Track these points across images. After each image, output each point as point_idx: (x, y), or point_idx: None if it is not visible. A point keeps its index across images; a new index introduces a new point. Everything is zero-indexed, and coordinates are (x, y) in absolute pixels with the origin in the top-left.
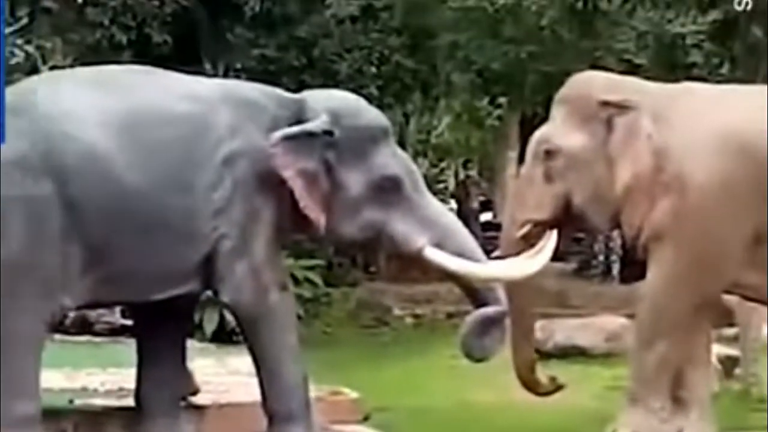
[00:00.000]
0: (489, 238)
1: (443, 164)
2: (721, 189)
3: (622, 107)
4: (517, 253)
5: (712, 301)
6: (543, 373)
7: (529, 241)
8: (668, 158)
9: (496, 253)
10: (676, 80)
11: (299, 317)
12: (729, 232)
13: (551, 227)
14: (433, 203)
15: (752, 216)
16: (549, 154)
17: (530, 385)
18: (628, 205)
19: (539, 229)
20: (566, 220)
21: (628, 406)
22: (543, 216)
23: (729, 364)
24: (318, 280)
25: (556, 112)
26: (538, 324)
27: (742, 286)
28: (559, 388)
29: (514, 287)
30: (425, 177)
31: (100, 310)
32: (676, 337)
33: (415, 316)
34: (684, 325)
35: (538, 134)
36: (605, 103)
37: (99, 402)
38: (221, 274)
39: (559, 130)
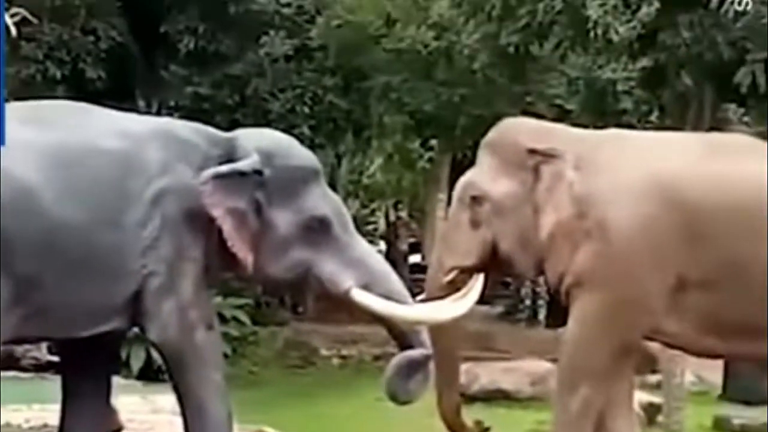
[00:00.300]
0: (417, 280)
1: (374, 205)
2: (642, 235)
3: (548, 155)
4: (443, 297)
5: (633, 347)
6: (468, 416)
7: (455, 287)
8: (590, 204)
9: (420, 297)
10: (606, 126)
11: (226, 356)
12: (650, 279)
13: (478, 272)
14: (361, 244)
15: (674, 263)
16: (475, 199)
17: (455, 428)
18: (551, 252)
19: (466, 275)
20: (492, 265)
21: None
22: (469, 262)
23: (652, 411)
24: (246, 319)
25: (483, 157)
26: (464, 367)
27: (663, 333)
28: (485, 430)
29: (438, 330)
30: (355, 218)
31: (27, 346)
32: (597, 382)
33: (342, 357)
34: (605, 370)
35: (464, 179)
36: (532, 151)
37: None
38: (148, 312)
39: (486, 176)
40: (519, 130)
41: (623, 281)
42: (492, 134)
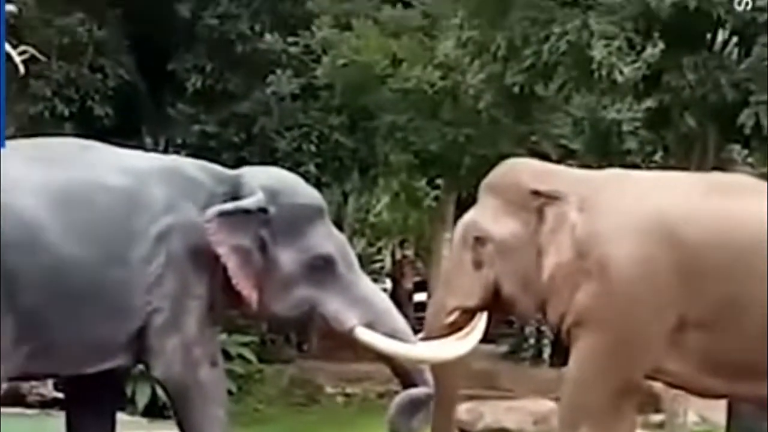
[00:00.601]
0: (422, 319)
1: (380, 243)
2: (642, 274)
3: (551, 197)
4: (443, 338)
5: (634, 386)
6: None
7: (456, 327)
8: (591, 245)
9: (420, 336)
10: (611, 166)
11: (231, 393)
12: (650, 318)
13: (480, 312)
14: (365, 283)
15: (675, 302)
16: (478, 240)
17: None
18: (553, 293)
19: (468, 315)
20: (495, 306)
21: None
22: (472, 303)
23: None
24: (251, 356)
25: (485, 198)
26: (468, 405)
27: (664, 373)
28: None
29: (439, 368)
30: (361, 256)
31: (33, 382)
32: (598, 421)
33: (346, 395)
34: (606, 409)
35: (466, 220)
36: (536, 193)
37: None
38: (152, 348)
39: (489, 217)
40: (521, 170)
41: (623, 321)
42: (494, 175)
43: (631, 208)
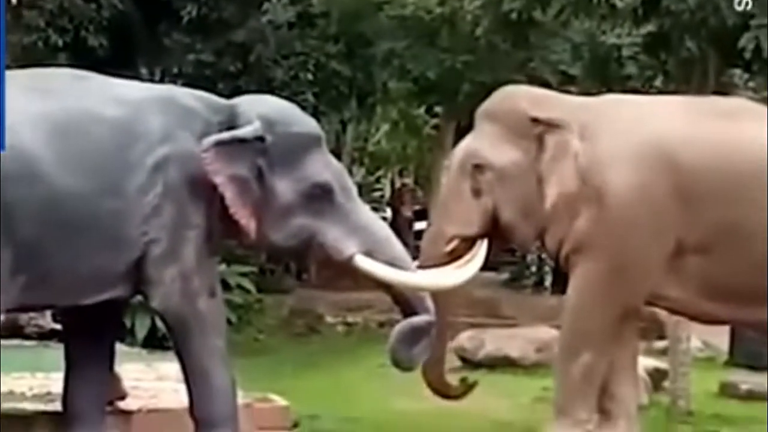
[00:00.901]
0: None
1: (379, 172)
2: (640, 200)
3: (552, 125)
4: (440, 266)
5: (634, 312)
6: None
7: (454, 256)
8: (592, 172)
9: (416, 264)
10: (611, 92)
11: (231, 323)
12: (649, 244)
13: (480, 240)
14: (364, 211)
15: (673, 227)
16: (478, 168)
17: (441, 389)
18: (553, 222)
19: (466, 244)
20: (493, 234)
21: (555, 418)
22: (471, 231)
23: (658, 376)
24: (250, 286)
25: (483, 124)
26: (469, 333)
27: (664, 298)
28: (470, 387)
29: (434, 296)
30: (361, 185)
31: (31, 314)
32: (600, 348)
33: (347, 324)
34: (607, 335)
35: (464, 147)
36: (536, 120)
37: (26, 406)
38: (151, 279)
39: (488, 145)
40: (520, 97)
41: (621, 246)
42: (491, 102)
43: (630, 134)
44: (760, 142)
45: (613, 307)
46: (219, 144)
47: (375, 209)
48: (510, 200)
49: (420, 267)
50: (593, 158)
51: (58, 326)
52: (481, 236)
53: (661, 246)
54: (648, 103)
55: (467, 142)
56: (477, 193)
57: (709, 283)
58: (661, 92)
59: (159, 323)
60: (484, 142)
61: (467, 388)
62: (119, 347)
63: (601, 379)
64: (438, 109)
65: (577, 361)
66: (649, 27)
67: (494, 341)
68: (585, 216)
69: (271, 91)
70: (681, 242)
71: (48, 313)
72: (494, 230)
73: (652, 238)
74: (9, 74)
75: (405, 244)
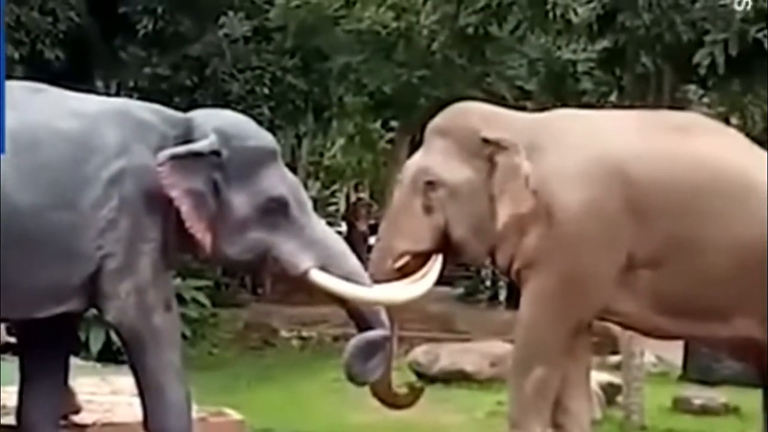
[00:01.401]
0: None
1: (335, 186)
2: (590, 214)
3: (501, 147)
4: (388, 282)
5: (586, 326)
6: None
7: (402, 272)
8: (540, 190)
9: None
10: (566, 107)
11: (186, 337)
12: (600, 258)
13: (428, 258)
14: (319, 225)
15: (624, 241)
16: (430, 185)
17: (388, 399)
18: (504, 239)
19: (416, 260)
20: (443, 250)
21: None
22: (421, 247)
23: (612, 391)
24: (205, 300)
25: (435, 141)
26: (424, 348)
27: (615, 313)
28: (418, 395)
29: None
30: (316, 199)
31: None
32: (552, 362)
33: (302, 338)
34: (559, 350)
35: (416, 163)
36: (486, 141)
37: None
38: (106, 293)
39: (441, 162)
40: (470, 115)
41: (573, 261)
42: (443, 118)
43: (580, 149)
44: (712, 156)
45: (564, 322)
46: (175, 158)
47: (330, 223)
48: (462, 218)
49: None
50: (542, 175)
51: (13, 339)
52: (430, 252)
53: (612, 260)
54: (599, 118)
55: (419, 158)
56: (428, 209)
57: (660, 297)
58: (616, 107)
59: (114, 337)
60: (437, 159)
61: (415, 396)
62: (74, 361)
63: (554, 393)
64: (394, 123)
65: (530, 376)
66: (605, 43)
67: (449, 356)
68: (535, 232)
69: (227, 105)
70: (632, 256)
71: (2, 327)
72: (445, 247)
73: (602, 252)
74: None
75: (360, 258)
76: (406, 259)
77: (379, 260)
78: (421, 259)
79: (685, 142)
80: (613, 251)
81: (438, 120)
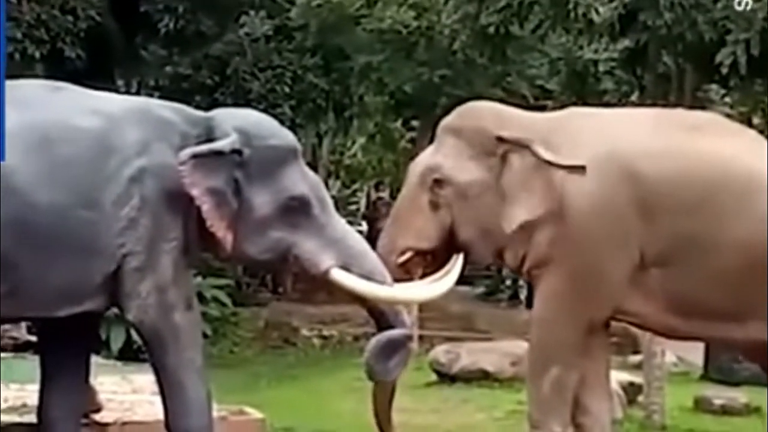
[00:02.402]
0: None
1: (355, 186)
2: (602, 213)
3: (517, 145)
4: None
5: (600, 325)
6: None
7: (406, 269)
8: (554, 189)
9: None
10: (587, 107)
11: (206, 336)
12: (611, 256)
13: (432, 257)
14: (340, 224)
15: (635, 239)
16: (438, 183)
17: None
18: (515, 240)
19: (420, 258)
20: (447, 249)
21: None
22: (426, 245)
23: (632, 391)
24: (226, 299)
25: (446, 139)
26: (445, 347)
27: (627, 313)
28: None
29: None
30: (337, 198)
31: (5, 326)
32: (567, 361)
33: (323, 337)
34: (574, 349)
35: (424, 161)
36: (501, 139)
37: (1, 418)
38: (127, 292)
39: (450, 160)
40: (484, 114)
41: (584, 259)
42: (455, 117)
43: (591, 146)
44: (724, 155)
45: (577, 321)
46: (196, 156)
47: (351, 222)
48: (469, 217)
49: None
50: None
51: (33, 338)
52: (434, 250)
53: (624, 258)
54: (611, 116)
55: (428, 155)
56: (435, 207)
57: (671, 297)
58: (637, 107)
59: (134, 335)
60: (447, 158)
61: None
62: (94, 359)
63: (571, 392)
64: (414, 122)
65: (547, 375)
66: (626, 42)
67: (470, 355)
68: (546, 231)
69: (248, 104)
70: (644, 255)
71: (23, 325)
72: (449, 246)
73: (614, 250)
74: None
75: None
76: (408, 255)
77: (382, 256)
78: (423, 257)
79: (697, 141)
80: (624, 249)
81: (450, 119)
